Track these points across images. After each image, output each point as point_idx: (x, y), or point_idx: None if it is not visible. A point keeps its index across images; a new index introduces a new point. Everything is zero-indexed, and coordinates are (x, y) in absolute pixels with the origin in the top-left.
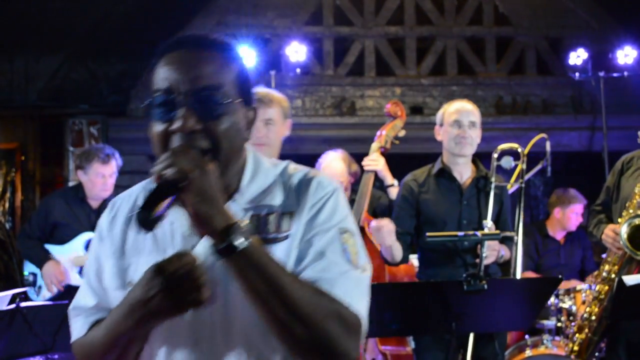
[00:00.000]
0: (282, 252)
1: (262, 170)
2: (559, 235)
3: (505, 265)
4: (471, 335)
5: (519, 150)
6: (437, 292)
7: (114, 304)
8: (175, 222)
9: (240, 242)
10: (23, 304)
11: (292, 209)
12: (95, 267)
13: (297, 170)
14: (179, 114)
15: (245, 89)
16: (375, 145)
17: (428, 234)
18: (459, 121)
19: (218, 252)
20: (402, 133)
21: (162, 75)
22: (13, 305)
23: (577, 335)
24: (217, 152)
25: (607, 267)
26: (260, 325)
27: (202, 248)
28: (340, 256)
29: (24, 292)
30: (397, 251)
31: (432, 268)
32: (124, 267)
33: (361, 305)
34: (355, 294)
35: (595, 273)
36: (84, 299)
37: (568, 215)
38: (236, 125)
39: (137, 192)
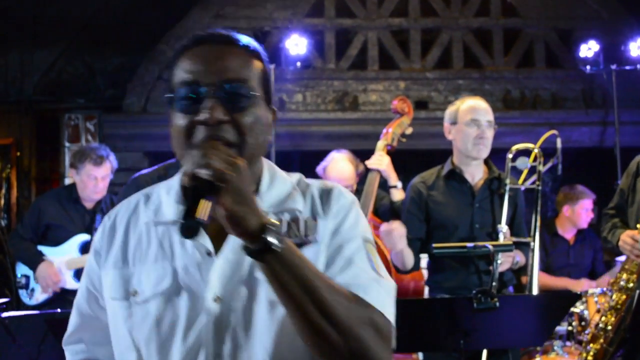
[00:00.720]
0: (310, 257)
1: (278, 177)
2: (569, 234)
3: (520, 271)
4: (484, 352)
5: (536, 150)
6: (445, 309)
7: (112, 317)
8: None
9: (275, 242)
10: (4, 314)
11: (315, 214)
12: (93, 282)
13: (313, 181)
14: (206, 105)
15: (268, 88)
16: (381, 144)
17: (434, 245)
18: (477, 121)
19: (252, 253)
20: (409, 130)
21: (187, 68)
22: None
23: (591, 344)
24: (242, 146)
25: (624, 276)
26: (286, 335)
27: (224, 259)
28: (367, 264)
29: (6, 302)
30: (409, 257)
31: (443, 274)
32: (127, 276)
33: (392, 313)
34: (386, 301)
35: (612, 280)
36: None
37: (578, 212)
38: (261, 120)
39: (136, 199)
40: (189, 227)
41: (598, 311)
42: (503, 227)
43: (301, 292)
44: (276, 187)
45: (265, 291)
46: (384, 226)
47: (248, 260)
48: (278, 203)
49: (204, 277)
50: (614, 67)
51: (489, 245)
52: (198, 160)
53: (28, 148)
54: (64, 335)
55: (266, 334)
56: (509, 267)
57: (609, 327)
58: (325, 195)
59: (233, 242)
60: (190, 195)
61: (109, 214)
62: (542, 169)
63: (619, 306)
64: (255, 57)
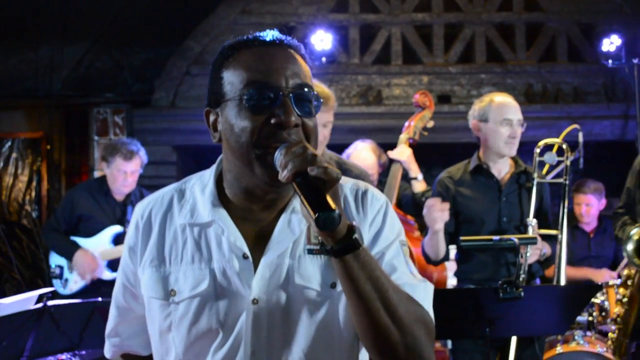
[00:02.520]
0: None
1: None
2: (588, 227)
3: (546, 263)
4: (513, 339)
5: (564, 146)
6: (472, 299)
7: (150, 315)
8: (227, 230)
9: (360, 242)
10: (50, 303)
11: (350, 216)
12: (128, 277)
13: (345, 181)
14: (285, 109)
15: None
16: (403, 137)
17: (462, 238)
18: (510, 120)
19: (334, 251)
20: (430, 124)
21: (256, 68)
22: (40, 305)
23: (610, 334)
24: None
25: (625, 272)
26: (323, 335)
27: (265, 263)
28: (406, 268)
29: (51, 292)
30: (442, 244)
31: (471, 266)
32: (164, 276)
33: (432, 312)
34: (430, 301)
35: (622, 273)
36: (110, 318)
37: (574, 206)
38: (317, 125)
39: (169, 195)
40: (330, 219)
41: (617, 302)
42: (532, 221)
43: (372, 289)
44: None
45: (303, 295)
46: (429, 201)
47: (286, 265)
48: None
49: (242, 280)
50: (635, 61)
51: (514, 238)
52: (299, 159)
53: (58, 141)
54: (106, 317)
55: (304, 337)
56: (537, 259)
57: (619, 319)
58: (360, 199)
59: (274, 247)
60: (309, 189)
61: (142, 211)
62: (569, 163)
63: (625, 299)
64: (308, 63)
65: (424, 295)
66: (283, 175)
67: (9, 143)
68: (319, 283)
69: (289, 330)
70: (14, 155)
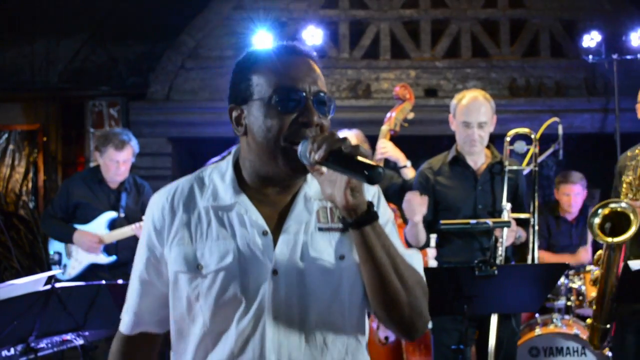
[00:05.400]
0: (350, 241)
1: None
2: (570, 216)
3: (522, 247)
4: (494, 316)
5: (532, 136)
6: (450, 277)
7: (176, 289)
8: (249, 211)
9: (377, 214)
10: (58, 285)
11: None
12: (153, 255)
13: None
14: (309, 110)
15: None
16: (385, 129)
17: (442, 221)
18: (468, 123)
19: (354, 223)
20: (410, 115)
21: (286, 74)
22: (49, 286)
23: (588, 320)
24: None
25: (597, 254)
26: (335, 301)
27: (283, 239)
28: (399, 242)
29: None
30: (422, 233)
31: (450, 250)
32: (191, 252)
33: (425, 277)
34: (422, 268)
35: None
36: (130, 292)
37: (560, 197)
38: (330, 123)
39: (188, 184)
40: (378, 173)
41: (591, 284)
42: (507, 206)
43: (385, 256)
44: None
45: (316, 266)
46: (408, 195)
47: (301, 240)
48: (318, 193)
49: (264, 254)
50: (615, 56)
51: (489, 221)
52: (332, 139)
53: (54, 133)
54: (111, 301)
55: (318, 303)
56: (513, 241)
57: (594, 304)
58: None
59: (291, 225)
60: (346, 161)
61: (165, 197)
62: (537, 152)
63: (598, 280)
64: (319, 69)
65: (418, 262)
66: (318, 154)
67: (6, 135)
68: (329, 255)
69: (305, 297)
70: (11, 147)
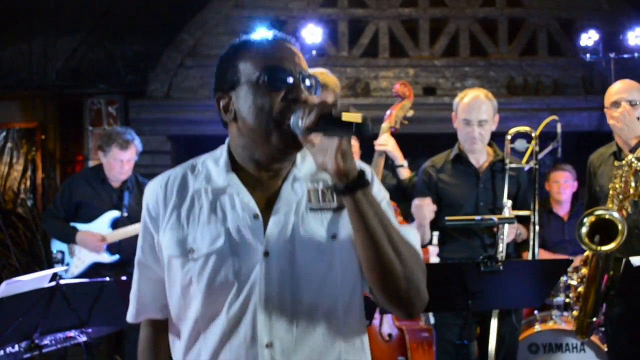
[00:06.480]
0: (345, 221)
1: (307, 153)
2: (561, 212)
3: (523, 244)
4: (495, 312)
5: (532, 134)
6: (455, 273)
7: (170, 274)
8: (240, 192)
9: (368, 179)
10: (62, 282)
11: None
12: (149, 241)
13: None
14: (297, 86)
15: None
16: (385, 126)
17: (447, 217)
18: (468, 120)
19: (346, 189)
20: (410, 113)
21: (273, 56)
22: (53, 283)
23: (574, 312)
24: None
25: (585, 253)
26: (326, 281)
27: (274, 220)
28: (396, 222)
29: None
30: (427, 232)
31: (453, 247)
32: (183, 236)
33: (422, 254)
34: (419, 244)
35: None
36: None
37: (551, 185)
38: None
39: (182, 171)
40: (364, 125)
41: (578, 281)
42: (508, 203)
43: (378, 224)
44: (308, 160)
45: (307, 247)
46: (417, 200)
47: (292, 221)
48: (311, 174)
49: (255, 236)
50: (612, 55)
51: (494, 217)
52: (322, 105)
53: (52, 131)
54: (114, 298)
55: (309, 283)
56: (514, 237)
57: (580, 298)
58: None
59: (281, 207)
60: (334, 122)
61: (159, 185)
62: (537, 149)
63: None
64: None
65: (414, 237)
66: (309, 119)
67: (4, 133)
68: (321, 235)
69: (296, 278)
70: (9, 145)
